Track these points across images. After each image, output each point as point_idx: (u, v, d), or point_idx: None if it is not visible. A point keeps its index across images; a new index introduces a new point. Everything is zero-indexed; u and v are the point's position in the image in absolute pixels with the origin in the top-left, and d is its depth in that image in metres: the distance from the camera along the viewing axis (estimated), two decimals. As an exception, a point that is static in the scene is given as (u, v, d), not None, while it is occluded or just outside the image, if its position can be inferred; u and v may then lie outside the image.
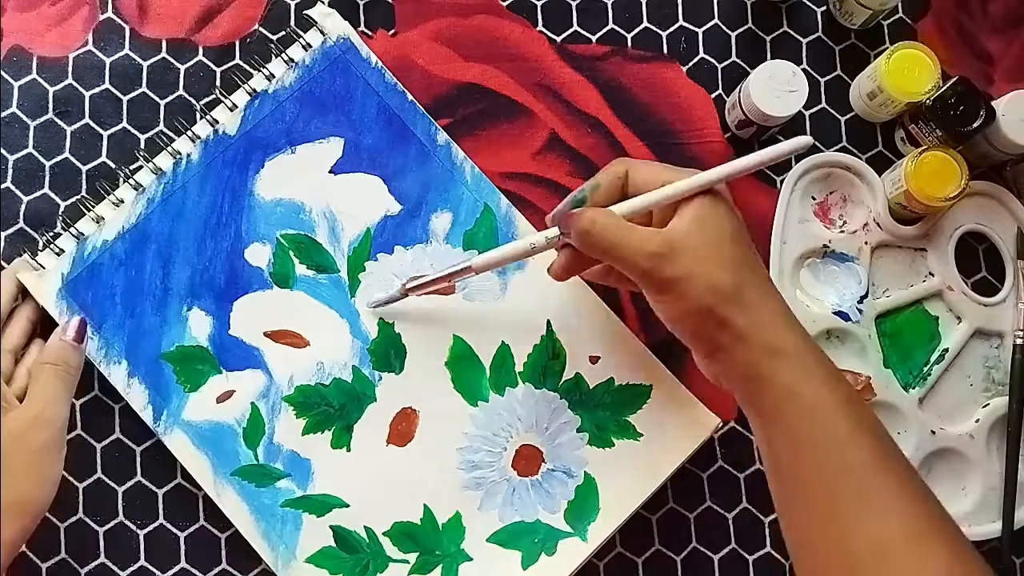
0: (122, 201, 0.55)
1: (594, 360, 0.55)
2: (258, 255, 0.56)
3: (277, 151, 0.56)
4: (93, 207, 0.55)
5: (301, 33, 0.57)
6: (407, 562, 0.54)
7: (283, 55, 0.57)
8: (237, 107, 0.56)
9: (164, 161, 0.56)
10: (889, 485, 0.41)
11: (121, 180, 0.56)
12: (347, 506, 0.54)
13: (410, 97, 0.57)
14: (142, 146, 0.57)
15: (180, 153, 0.56)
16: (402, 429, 0.55)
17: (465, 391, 0.55)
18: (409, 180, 0.56)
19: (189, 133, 0.56)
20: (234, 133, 0.56)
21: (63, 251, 0.55)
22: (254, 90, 0.56)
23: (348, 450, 0.54)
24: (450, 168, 0.56)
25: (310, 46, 0.57)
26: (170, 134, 0.57)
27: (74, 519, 0.55)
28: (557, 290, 0.55)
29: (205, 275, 0.55)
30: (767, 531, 0.56)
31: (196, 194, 0.56)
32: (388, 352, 0.55)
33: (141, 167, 0.56)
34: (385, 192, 0.56)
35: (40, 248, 0.55)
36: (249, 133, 0.56)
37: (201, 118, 0.56)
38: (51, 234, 0.56)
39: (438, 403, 0.55)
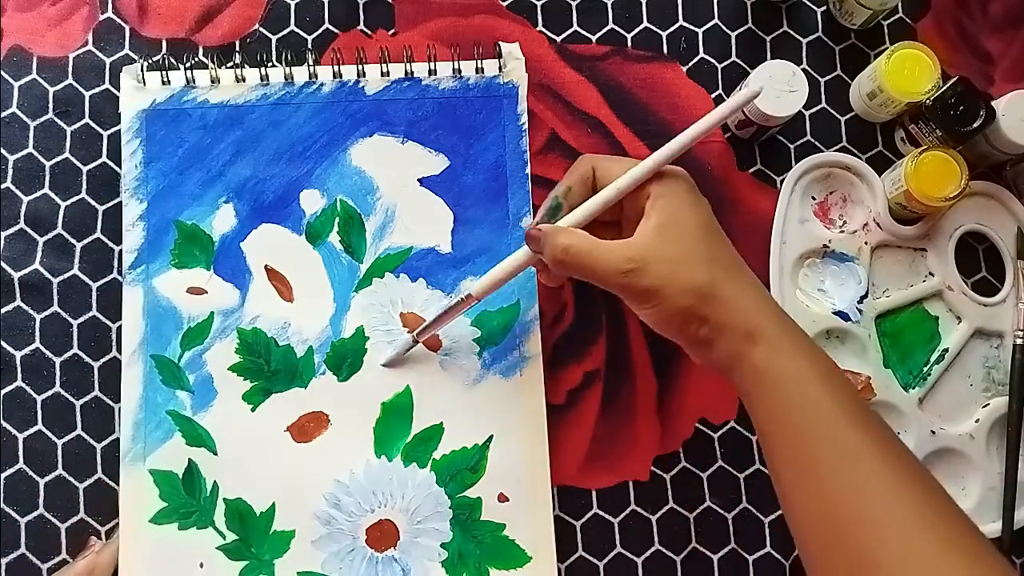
0: (244, 80, 0.57)
1: (503, 499, 0.53)
2: (311, 202, 0.56)
3: (391, 132, 0.57)
4: (219, 68, 0.57)
5: (482, 57, 0.58)
6: (223, 537, 0.52)
7: (458, 64, 0.57)
8: (388, 75, 0.57)
9: (300, 75, 0.57)
10: (867, 440, 0.41)
11: (264, 62, 0.57)
12: (215, 454, 0.53)
13: (528, 170, 0.57)
14: (310, 45, 0.59)
15: (316, 78, 0.57)
16: (307, 427, 0.54)
17: (380, 438, 0.54)
18: (475, 235, 0.56)
19: (335, 68, 0.57)
20: (370, 94, 0.57)
21: (169, 83, 0.57)
22: (412, 73, 0.57)
23: (253, 410, 0.54)
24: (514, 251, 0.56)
25: (482, 71, 0.57)
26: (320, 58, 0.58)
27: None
28: (516, 415, 0.54)
29: (259, 186, 0.56)
30: (767, 531, 0.55)
31: (303, 118, 0.57)
32: (345, 357, 0.54)
33: (275, 65, 0.57)
34: (448, 230, 0.56)
35: (153, 68, 0.57)
36: (381, 103, 0.57)
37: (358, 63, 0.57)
38: (170, 62, 0.58)
39: (351, 430, 0.54)
